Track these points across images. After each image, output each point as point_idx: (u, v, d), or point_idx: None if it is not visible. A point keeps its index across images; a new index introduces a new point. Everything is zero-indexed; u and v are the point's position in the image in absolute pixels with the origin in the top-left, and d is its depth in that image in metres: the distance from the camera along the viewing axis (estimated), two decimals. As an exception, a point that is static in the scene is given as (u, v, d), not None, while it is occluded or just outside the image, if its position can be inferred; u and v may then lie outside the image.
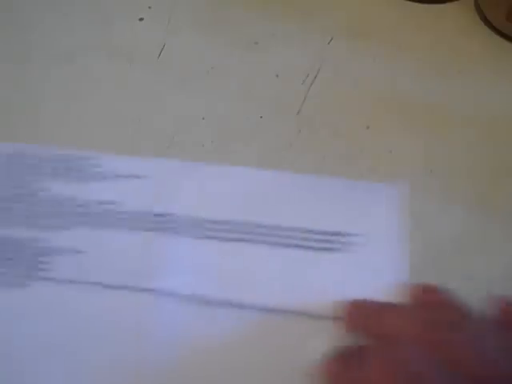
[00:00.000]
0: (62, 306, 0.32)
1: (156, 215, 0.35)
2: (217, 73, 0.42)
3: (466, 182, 0.37)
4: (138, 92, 0.41)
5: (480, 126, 0.39)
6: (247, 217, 0.35)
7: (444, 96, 0.40)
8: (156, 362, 0.30)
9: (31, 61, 0.42)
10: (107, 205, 0.35)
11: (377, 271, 0.33)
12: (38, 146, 0.37)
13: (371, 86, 0.41)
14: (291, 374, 0.30)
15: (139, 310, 0.31)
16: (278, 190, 0.36)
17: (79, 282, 0.32)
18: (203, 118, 0.39)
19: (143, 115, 0.39)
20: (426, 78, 0.41)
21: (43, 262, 0.33)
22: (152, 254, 0.33)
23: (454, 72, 0.42)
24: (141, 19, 0.44)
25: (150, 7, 0.45)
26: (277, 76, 0.41)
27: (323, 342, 0.30)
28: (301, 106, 0.40)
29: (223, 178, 0.36)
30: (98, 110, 0.40)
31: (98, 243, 0.34)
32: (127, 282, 0.32)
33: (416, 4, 0.45)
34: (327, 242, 0.34)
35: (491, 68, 0.42)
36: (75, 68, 0.41)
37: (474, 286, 0.33)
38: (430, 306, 0.30)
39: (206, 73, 0.42)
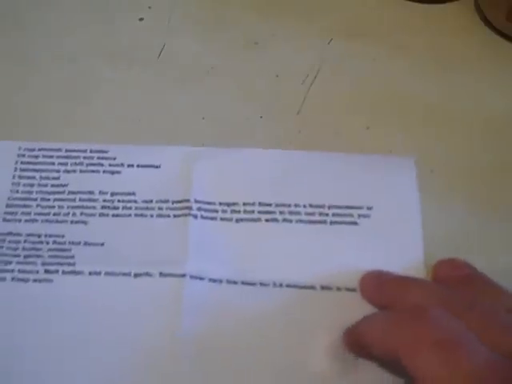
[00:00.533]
0: (88, 298, 0.32)
1: (175, 202, 0.35)
2: (217, 73, 0.42)
3: (466, 182, 0.37)
4: (138, 92, 0.41)
5: (480, 125, 0.39)
6: (265, 197, 0.35)
7: (444, 96, 0.40)
8: (188, 349, 0.30)
9: (31, 61, 0.42)
10: (125, 195, 0.35)
11: (392, 244, 0.33)
12: (47, 142, 0.37)
13: (371, 86, 0.41)
14: (315, 346, 0.30)
15: (168, 297, 0.31)
16: (292, 168, 0.36)
17: (105, 273, 0.32)
18: (203, 118, 0.39)
19: (143, 115, 0.39)
20: (426, 78, 0.41)
21: (66, 256, 0.33)
22: (175, 240, 0.34)
23: (454, 72, 0.42)
24: (141, 19, 0.44)
25: (150, 7, 0.45)
26: (277, 76, 0.41)
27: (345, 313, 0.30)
28: (301, 106, 0.40)
29: (237, 161, 0.36)
30: (97, 110, 0.40)
31: (120, 234, 0.34)
32: (154, 270, 0.32)
33: (416, 4, 0.45)
34: (343, 215, 0.34)
35: (491, 68, 0.42)
36: (75, 68, 0.41)
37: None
38: (452, 282, 0.30)
39: (206, 73, 0.42)
